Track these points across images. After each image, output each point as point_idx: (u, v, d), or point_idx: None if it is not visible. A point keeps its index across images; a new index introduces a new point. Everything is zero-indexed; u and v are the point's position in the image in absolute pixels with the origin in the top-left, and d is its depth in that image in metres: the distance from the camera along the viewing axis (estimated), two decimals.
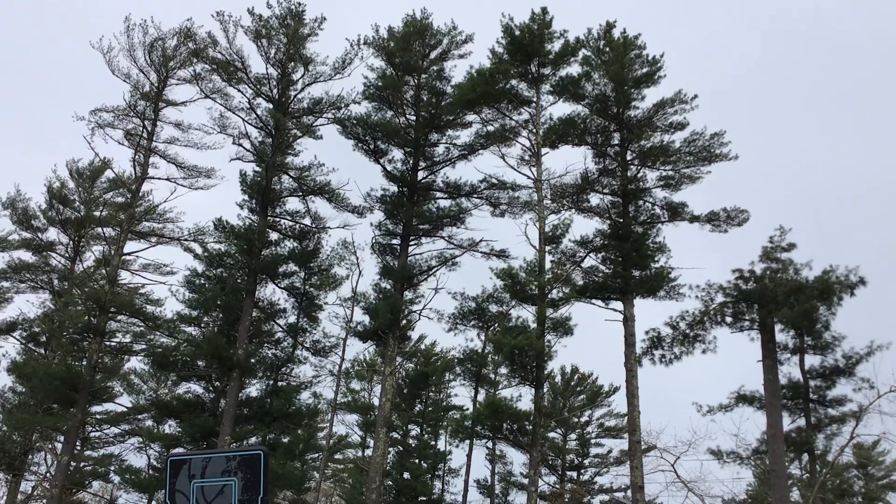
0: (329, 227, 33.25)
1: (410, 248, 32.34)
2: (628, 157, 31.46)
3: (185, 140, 33.85)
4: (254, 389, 33.11)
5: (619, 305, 29.62)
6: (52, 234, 39.31)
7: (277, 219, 33.28)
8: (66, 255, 39.17)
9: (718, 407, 31.11)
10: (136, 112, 32.97)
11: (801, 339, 30.27)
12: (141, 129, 33.19)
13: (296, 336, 32.76)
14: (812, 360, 31.27)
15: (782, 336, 29.13)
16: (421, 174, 33.16)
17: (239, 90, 33.08)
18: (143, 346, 34.06)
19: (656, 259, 30.05)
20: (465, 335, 34.47)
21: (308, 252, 32.72)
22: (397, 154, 33.20)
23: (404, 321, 31.68)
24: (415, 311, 32.09)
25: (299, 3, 33.34)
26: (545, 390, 30.41)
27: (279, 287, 33.05)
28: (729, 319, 26.94)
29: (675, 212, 30.98)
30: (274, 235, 33.08)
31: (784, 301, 25.72)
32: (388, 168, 32.99)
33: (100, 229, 36.96)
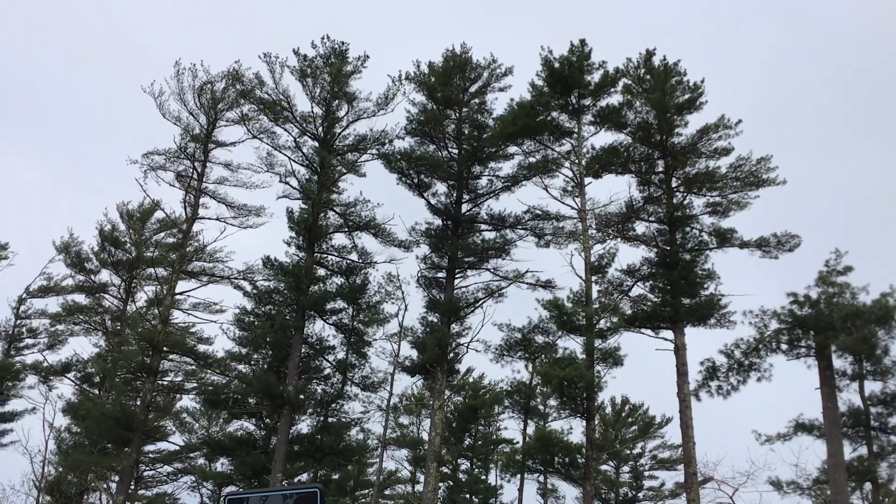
0: (375, 262, 33.46)
1: (456, 281, 32.35)
2: (673, 185, 31.17)
3: (235, 180, 34.52)
4: (304, 426, 33.27)
5: (669, 334, 29.17)
6: (105, 275, 40.23)
7: (324, 255, 33.58)
8: (119, 296, 39.96)
9: (777, 436, 30.37)
10: (186, 154, 33.72)
11: (860, 364, 29.51)
12: (191, 170, 33.92)
13: (345, 372, 32.84)
14: (872, 387, 30.47)
15: (840, 362, 28.46)
16: (465, 207, 33.27)
17: (285, 129, 33.71)
18: (195, 385, 34.44)
19: (706, 286, 29.60)
20: (512, 367, 34.29)
21: (355, 288, 32.90)
22: (441, 187, 33.45)
23: (452, 354, 31.60)
24: (462, 344, 32.00)
25: (342, 42, 34.02)
26: (596, 422, 29.99)
27: (327, 323, 33.26)
28: (784, 346, 26.42)
29: (724, 238, 30.53)
30: (321, 272, 33.37)
31: (841, 327, 25.14)
32: (432, 202, 33.22)
33: (151, 270, 37.65)
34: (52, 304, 40.97)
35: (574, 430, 32.01)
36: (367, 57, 34.11)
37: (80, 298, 40.17)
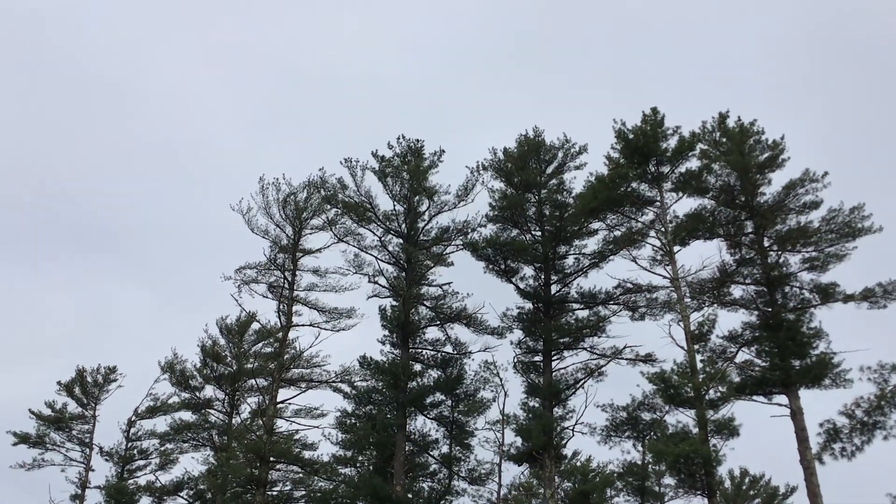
0: (470, 352, 33.40)
1: (553, 363, 31.98)
2: (766, 244, 30.43)
3: (324, 285, 35.27)
4: None
5: (782, 399, 27.99)
6: (209, 391, 41.02)
7: (419, 349, 33.72)
8: (224, 409, 40.65)
9: None
10: (276, 265, 34.74)
11: None
12: (282, 280, 34.84)
13: (450, 466, 32.42)
14: None
15: None
16: (554, 288, 33.13)
17: (369, 229, 34.56)
18: (303, 493, 34.44)
19: (815, 346, 28.42)
20: (620, 447, 33.26)
21: (453, 379, 32.77)
22: (528, 271, 33.49)
23: (557, 439, 30.90)
24: (567, 428, 31.31)
25: (417, 140, 35.06)
26: (717, 498, 28.63)
27: (428, 418, 33.10)
28: None
29: (826, 293, 29.41)
30: (417, 366, 33.46)
31: None
32: (521, 286, 33.19)
33: (253, 381, 38.34)
34: (161, 423, 42.00)
35: None
36: (443, 151, 35.04)
37: (187, 416, 41.05)
